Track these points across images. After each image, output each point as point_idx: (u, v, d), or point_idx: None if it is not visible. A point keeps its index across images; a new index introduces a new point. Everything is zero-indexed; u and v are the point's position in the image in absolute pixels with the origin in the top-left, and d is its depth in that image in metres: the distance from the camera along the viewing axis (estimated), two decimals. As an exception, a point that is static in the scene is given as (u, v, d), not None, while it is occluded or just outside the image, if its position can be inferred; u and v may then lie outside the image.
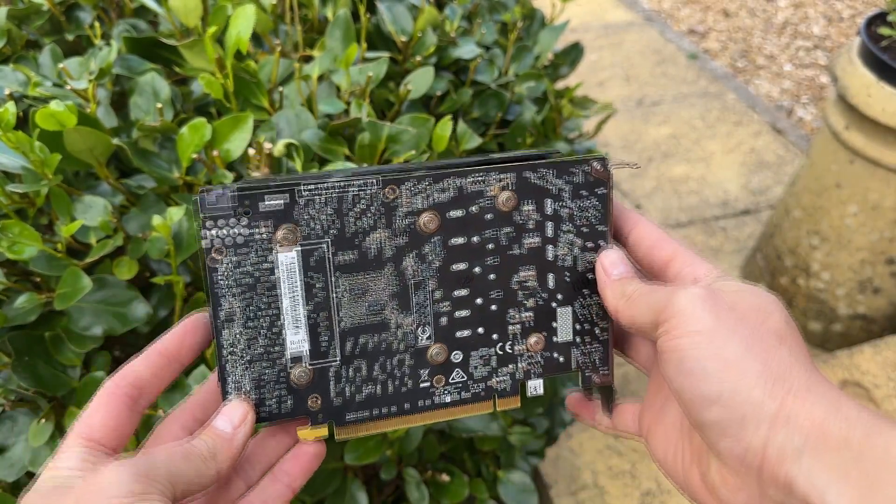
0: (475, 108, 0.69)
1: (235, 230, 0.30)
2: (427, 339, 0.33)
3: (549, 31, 0.82)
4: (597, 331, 0.35)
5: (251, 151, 0.52)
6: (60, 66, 0.54)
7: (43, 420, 0.48)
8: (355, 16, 0.66)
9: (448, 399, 0.34)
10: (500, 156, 0.33)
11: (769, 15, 2.75)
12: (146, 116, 0.54)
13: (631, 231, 0.34)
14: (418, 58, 0.64)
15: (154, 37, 0.60)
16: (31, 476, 0.49)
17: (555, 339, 0.34)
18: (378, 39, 0.68)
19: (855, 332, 1.37)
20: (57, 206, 0.49)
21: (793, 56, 2.49)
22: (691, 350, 0.27)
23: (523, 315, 0.34)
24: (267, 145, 0.52)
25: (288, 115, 0.55)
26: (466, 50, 0.69)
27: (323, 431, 0.32)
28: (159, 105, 0.53)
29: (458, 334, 0.33)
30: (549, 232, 0.33)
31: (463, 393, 0.34)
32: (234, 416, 0.30)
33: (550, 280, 0.34)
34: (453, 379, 0.34)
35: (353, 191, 0.30)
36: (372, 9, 0.69)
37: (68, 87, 0.53)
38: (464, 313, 0.33)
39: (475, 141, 0.62)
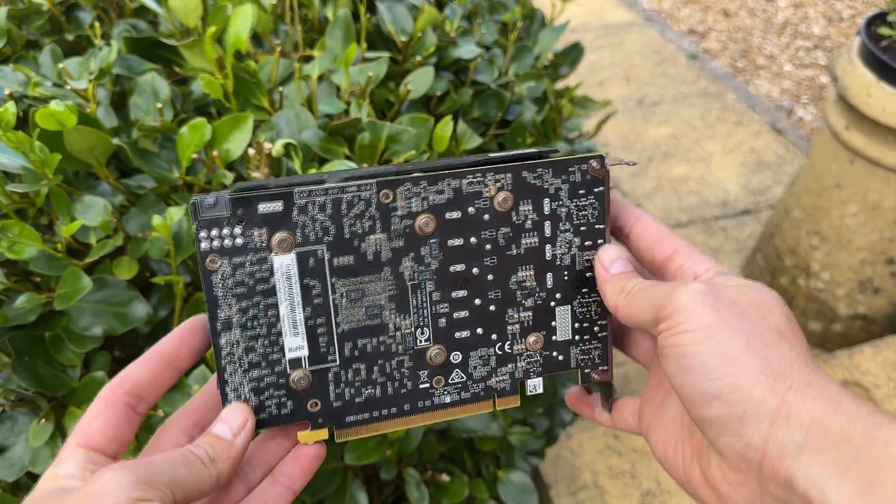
0: (475, 108, 0.69)
1: (232, 236, 0.30)
2: (426, 340, 0.33)
3: (549, 31, 0.82)
4: (595, 328, 0.35)
5: (251, 151, 0.52)
6: (60, 66, 0.54)
7: (43, 420, 0.48)
8: (355, 16, 0.66)
9: (448, 399, 0.34)
10: (497, 155, 0.33)
11: (769, 15, 2.75)
12: (146, 116, 0.54)
13: (632, 227, 0.34)
14: (418, 58, 0.64)
15: (154, 37, 0.60)
16: (31, 476, 0.49)
17: (554, 338, 0.34)
18: (378, 39, 0.68)
19: (855, 332, 1.37)
20: (57, 206, 0.49)
21: (793, 56, 2.49)
22: (692, 346, 0.27)
23: (522, 315, 0.34)
24: (267, 145, 0.52)
25: (288, 115, 0.55)
26: (466, 50, 0.69)
27: (323, 434, 0.32)
28: (159, 105, 0.53)
29: (457, 335, 0.33)
30: (548, 231, 0.33)
31: (462, 393, 0.34)
32: (234, 421, 0.30)
33: (549, 279, 0.34)
34: (452, 379, 0.34)
35: (349, 195, 0.30)
36: (372, 9, 0.69)
37: (68, 87, 0.53)
38: (462, 314, 0.33)
39: (475, 141, 0.62)
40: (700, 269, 0.32)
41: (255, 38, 0.67)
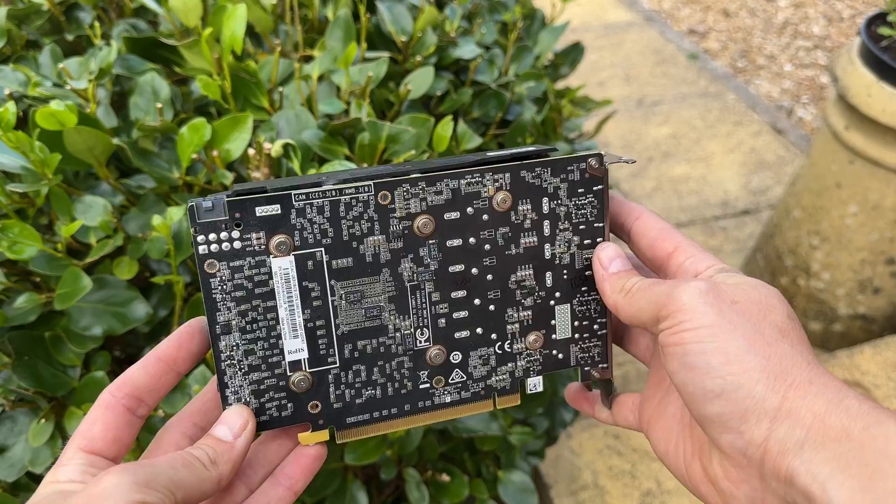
0: (475, 108, 0.69)
1: (230, 239, 0.30)
2: (425, 341, 0.33)
3: (549, 31, 0.82)
4: (595, 326, 0.35)
5: (251, 151, 0.52)
6: (60, 66, 0.54)
7: (43, 420, 0.48)
8: (355, 16, 0.66)
9: (448, 399, 0.34)
10: (495, 154, 0.33)
11: (769, 15, 2.75)
12: (146, 116, 0.54)
13: (633, 224, 0.34)
14: (418, 58, 0.64)
15: (154, 37, 0.60)
16: (31, 476, 0.49)
17: (553, 337, 0.34)
18: (378, 39, 0.68)
19: (855, 332, 1.37)
20: (57, 206, 0.49)
21: (793, 56, 2.49)
22: (694, 345, 0.27)
23: (522, 314, 0.34)
24: (267, 145, 0.52)
25: (288, 115, 0.55)
26: (466, 50, 0.69)
27: (324, 436, 0.32)
28: (159, 105, 0.53)
29: (457, 335, 0.33)
30: (547, 231, 0.33)
31: (463, 393, 0.34)
32: (235, 423, 0.30)
33: (548, 278, 0.34)
34: (453, 379, 0.34)
35: (347, 197, 0.30)
36: (372, 9, 0.69)
37: (68, 87, 0.53)
38: (462, 314, 0.33)
39: (475, 141, 0.62)
40: (701, 266, 0.32)
41: (256, 38, 0.67)
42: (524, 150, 0.33)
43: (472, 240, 0.32)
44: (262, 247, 0.30)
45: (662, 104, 2.17)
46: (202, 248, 0.29)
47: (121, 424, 0.29)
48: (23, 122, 0.53)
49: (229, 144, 0.52)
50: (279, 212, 0.30)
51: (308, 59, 0.65)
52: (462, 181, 0.32)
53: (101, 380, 0.49)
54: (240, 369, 0.31)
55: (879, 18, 1.20)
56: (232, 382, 0.31)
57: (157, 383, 0.30)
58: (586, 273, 0.34)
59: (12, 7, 0.62)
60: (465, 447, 0.70)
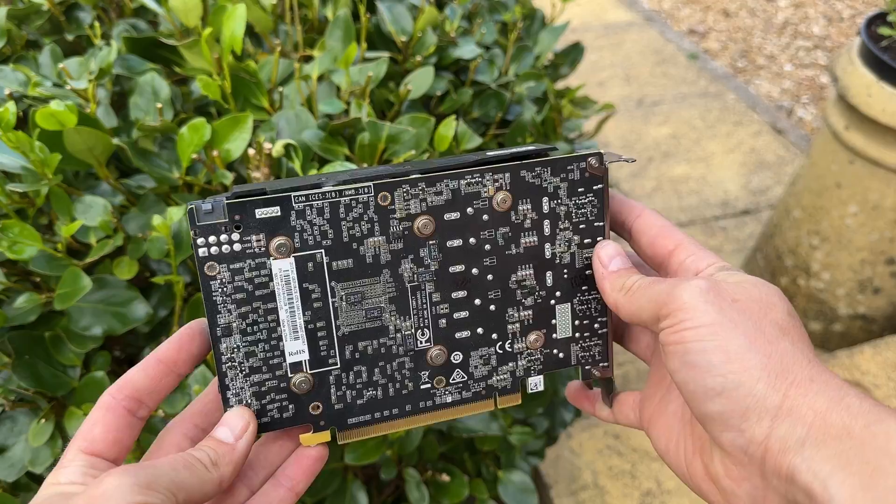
0: (475, 108, 0.69)
1: (230, 242, 0.30)
2: (426, 341, 0.33)
3: (549, 31, 0.82)
4: (596, 325, 0.35)
5: (251, 151, 0.52)
6: (60, 66, 0.54)
7: (43, 420, 0.48)
8: (355, 16, 0.66)
9: (449, 399, 0.34)
10: (495, 153, 0.33)
11: (769, 15, 2.75)
12: (146, 116, 0.54)
13: (634, 222, 0.34)
14: (418, 58, 0.64)
15: (154, 37, 0.60)
16: (31, 476, 0.49)
17: (554, 336, 0.34)
18: (378, 39, 0.68)
19: (855, 332, 1.37)
20: (57, 206, 0.49)
21: (793, 56, 2.49)
22: (695, 343, 0.27)
23: (522, 313, 0.34)
24: (267, 145, 0.52)
25: (288, 115, 0.55)
26: (466, 50, 0.69)
27: (326, 437, 0.32)
28: (159, 105, 0.53)
29: (458, 335, 0.33)
30: (547, 230, 0.33)
31: (464, 392, 0.34)
32: (236, 425, 0.30)
33: (549, 278, 0.34)
34: (454, 379, 0.34)
35: (347, 198, 0.30)
36: (372, 9, 0.69)
37: (68, 87, 0.53)
38: (462, 314, 0.33)
39: (475, 141, 0.62)
40: (702, 264, 0.32)
41: (256, 38, 0.67)
42: (524, 149, 0.33)
43: (472, 240, 0.32)
44: (263, 249, 0.30)
45: (662, 104, 2.17)
46: (202, 251, 0.29)
47: (121, 426, 0.29)
48: (23, 122, 0.53)
49: (229, 144, 0.52)
50: (279, 214, 0.30)
51: (308, 59, 0.65)
52: (462, 181, 0.32)
53: (101, 380, 0.49)
54: (241, 371, 0.31)
55: (879, 18, 1.20)
56: (233, 384, 0.31)
57: (157, 385, 0.30)
58: (587, 272, 0.34)
59: (12, 7, 0.62)
60: (465, 447, 0.70)
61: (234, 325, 0.30)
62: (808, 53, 2.50)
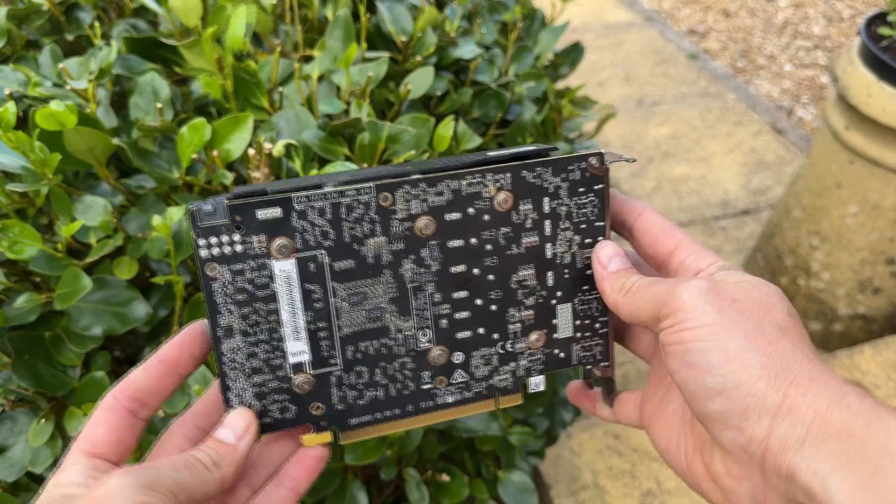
0: (475, 108, 0.69)
1: (231, 243, 0.30)
2: (427, 341, 0.33)
3: (549, 31, 0.82)
4: (597, 325, 0.35)
5: (251, 151, 0.52)
6: (60, 66, 0.54)
7: (43, 420, 0.48)
8: (355, 16, 0.66)
9: (450, 399, 0.34)
10: (495, 153, 0.33)
11: (769, 15, 2.75)
12: (146, 116, 0.54)
13: (635, 222, 0.34)
14: (418, 58, 0.64)
15: (154, 37, 0.60)
16: (31, 476, 0.49)
17: (555, 336, 0.34)
18: (378, 39, 0.68)
19: (855, 332, 1.37)
20: (57, 206, 0.49)
21: (793, 56, 2.49)
22: (695, 343, 0.28)
23: (523, 313, 0.34)
24: (267, 145, 0.52)
25: (288, 115, 0.55)
26: (466, 50, 0.69)
27: (327, 437, 0.33)
28: (159, 105, 0.53)
29: (459, 335, 0.33)
30: (548, 230, 0.33)
31: (465, 393, 0.34)
32: (238, 426, 0.30)
33: (550, 278, 0.34)
34: (455, 380, 0.34)
35: (348, 199, 0.30)
36: (372, 9, 0.69)
37: (68, 87, 0.53)
38: (464, 315, 0.33)
39: (475, 141, 0.62)
40: (703, 263, 0.32)
41: (255, 38, 0.67)
42: (524, 149, 0.33)
43: (473, 240, 0.32)
44: (264, 250, 0.30)
45: (662, 104, 2.17)
46: (203, 252, 0.29)
47: (123, 427, 0.29)
48: (23, 122, 0.53)
49: (229, 144, 0.52)
50: (280, 214, 0.30)
51: (308, 59, 0.65)
52: (463, 182, 0.32)
53: (101, 380, 0.49)
54: (242, 372, 0.31)
55: (879, 18, 1.20)
56: (234, 385, 0.31)
57: (159, 386, 0.30)
58: (587, 272, 0.34)
59: (12, 7, 0.62)
60: (465, 447, 0.70)
61: (236, 325, 0.30)
62: (808, 53, 2.50)
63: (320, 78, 0.61)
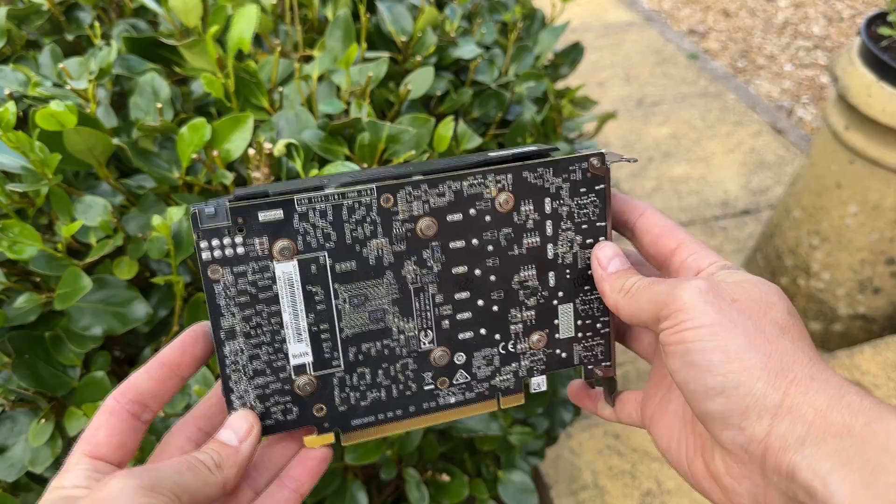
0: (475, 108, 0.69)
1: (233, 245, 0.30)
2: (429, 342, 0.33)
3: (549, 31, 0.82)
4: (598, 325, 0.35)
5: (251, 151, 0.52)
6: (60, 66, 0.54)
7: (43, 420, 0.48)
8: (355, 16, 0.66)
9: (452, 400, 0.34)
10: (497, 154, 0.33)
11: (769, 15, 2.75)
12: (146, 116, 0.54)
13: (637, 220, 0.34)
14: (418, 58, 0.64)
15: (154, 37, 0.60)
16: (31, 476, 0.49)
17: (557, 336, 0.34)
18: (378, 39, 0.68)
19: (855, 332, 1.37)
20: (57, 206, 0.49)
21: (793, 56, 2.49)
22: (695, 343, 0.28)
23: (525, 314, 0.34)
24: (267, 145, 0.52)
25: (288, 115, 0.55)
26: (466, 50, 0.69)
27: (329, 438, 0.33)
28: (159, 105, 0.53)
29: (461, 336, 0.33)
30: (549, 231, 0.33)
31: (467, 393, 0.34)
32: (240, 428, 0.30)
33: (551, 278, 0.34)
34: (457, 380, 0.34)
35: (350, 200, 0.30)
36: (372, 9, 0.69)
37: (68, 87, 0.53)
38: (465, 315, 0.33)
39: (475, 141, 0.62)
40: (704, 262, 0.32)
41: (256, 37, 0.67)
42: (525, 149, 0.33)
43: (474, 241, 0.32)
44: (266, 252, 0.30)
45: (662, 104, 2.17)
46: (205, 255, 0.29)
47: (125, 430, 0.29)
48: (23, 122, 0.53)
49: (229, 144, 0.52)
50: (282, 216, 0.30)
51: (308, 59, 0.65)
52: (464, 183, 0.32)
53: (101, 380, 0.49)
54: (244, 374, 0.31)
55: (879, 18, 1.20)
56: (237, 387, 0.31)
57: (161, 388, 0.30)
58: (589, 272, 0.34)
59: (12, 7, 0.62)
60: (465, 447, 0.70)
61: (238, 328, 0.30)
62: (808, 53, 2.50)
63: (320, 78, 0.61)
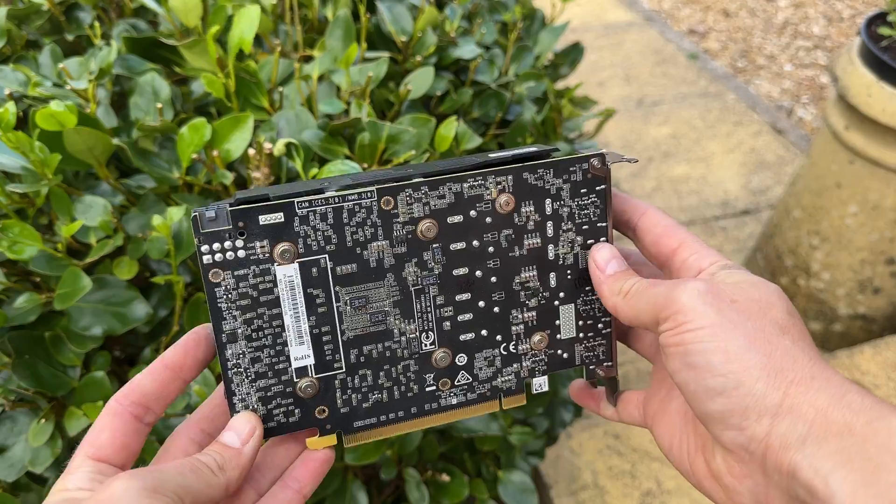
0: (475, 108, 0.69)
1: (234, 248, 0.30)
2: (431, 344, 0.33)
3: (549, 31, 0.82)
4: (599, 325, 0.35)
5: (251, 151, 0.52)
6: (60, 66, 0.54)
7: (43, 420, 0.48)
8: (355, 16, 0.66)
9: (454, 401, 0.34)
10: (497, 155, 0.33)
11: (769, 15, 2.75)
12: (146, 116, 0.54)
13: (639, 220, 0.34)
14: (418, 58, 0.64)
15: (154, 37, 0.60)
16: (31, 476, 0.49)
17: (558, 337, 0.34)
18: (378, 39, 0.68)
19: (855, 332, 1.37)
20: (57, 206, 0.49)
21: (793, 56, 2.49)
22: (695, 344, 0.28)
23: (526, 315, 0.34)
24: (267, 145, 0.52)
25: (288, 115, 0.55)
26: (466, 50, 0.69)
27: (332, 440, 0.33)
28: (159, 105, 0.53)
29: (462, 338, 0.33)
30: (550, 231, 0.33)
31: (469, 394, 0.34)
32: (243, 430, 0.30)
33: (552, 279, 0.34)
34: (458, 381, 0.34)
35: (350, 203, 0.30)
36: (372, 9, 0.69)
37: (68, 87, 0.53)
38: (467, 317, 0.33)
39: (475, 141, 0.62)
40: (705, 262, 0.32)
41: (256, 38, 0.66)
42: (526, 150, 0.33)
43: (475, 242, 0.32)
44: (267, 255, 0.30)
45: (662, 104, 2.17)
46: (206, 258, 0.29)
47: (128, 432, 0.29)
48: (23, 122, 0.53)
49: (229, 144, 0.52)
50: (282, 220, 0.30)
51: (308, 59, 0.65)
52: (465, 184, 0.32)
53: (101, 380, 0.48)
54: (247, 377, 0.31)
55: (879, 18, 1.20)
56: (239, 390, 0.31)
57: (163, 390, 0.30)
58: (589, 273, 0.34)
59: (12, 7, 0.62)
60: (465, 447, 0.70)
61: (240, 331, 0.30)
62: (808, 53, 2.50)
63: (320, 78, 0.61)
